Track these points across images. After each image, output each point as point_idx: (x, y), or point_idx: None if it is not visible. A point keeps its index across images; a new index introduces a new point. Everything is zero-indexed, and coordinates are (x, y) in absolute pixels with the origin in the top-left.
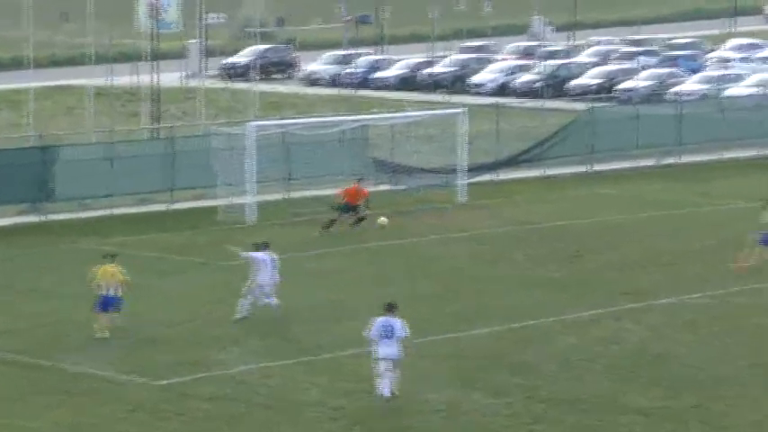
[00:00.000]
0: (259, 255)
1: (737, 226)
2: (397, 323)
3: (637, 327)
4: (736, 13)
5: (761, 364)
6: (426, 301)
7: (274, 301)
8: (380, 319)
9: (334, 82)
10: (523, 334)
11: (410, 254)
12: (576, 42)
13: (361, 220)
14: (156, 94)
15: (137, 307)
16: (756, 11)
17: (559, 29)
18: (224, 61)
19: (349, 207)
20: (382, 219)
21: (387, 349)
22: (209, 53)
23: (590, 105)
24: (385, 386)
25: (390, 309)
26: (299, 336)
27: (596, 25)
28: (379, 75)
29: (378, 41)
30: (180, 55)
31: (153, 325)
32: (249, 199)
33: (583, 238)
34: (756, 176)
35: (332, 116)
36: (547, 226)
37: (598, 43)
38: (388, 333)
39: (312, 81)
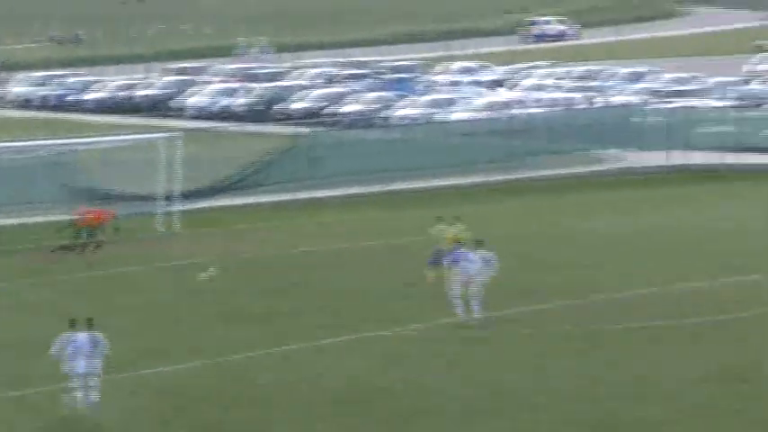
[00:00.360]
0: None
1: None
2: (100, 338)
3: (342, 361)
4: (465, 35)
5: (462, 395)
6: (126, 334)
7: None
8: (82, 335)
9: (36, 104)
10: (228, 369)
11: (115, 286)
12: (294, 63)
13: (98, 245)
14: None
15: None
16: (503, 31)
17: (276, 50)
18: None
19: (88, 231)
20: (210, 270)
21: (88, 363)
22: None
23: (311, 129)
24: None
25: (90, 324)
26: None
27: (313, 47)
28: (85, 97)
29: (86, 62)
30: None
31: None
32: None
33: (295, 269)
34: (482, 204)
35: (35, 140)
36: (259, 255)
37: (318, 66)
38: (90, 347)
39: (15, 103)
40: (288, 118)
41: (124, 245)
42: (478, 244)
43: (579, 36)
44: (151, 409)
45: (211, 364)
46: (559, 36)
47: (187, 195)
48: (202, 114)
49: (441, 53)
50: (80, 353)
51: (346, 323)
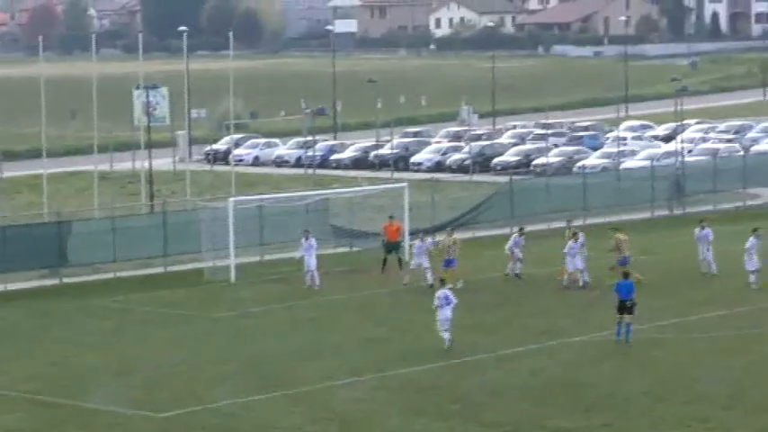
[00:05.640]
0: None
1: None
2: (450, 294)
3: (554, 360)
4: (627, 100)
5: (656, 388)
6: (378, 342)
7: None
8: (441, 292)
9: (297, 163)
10: (462, 367)
11: (363, 305)
12: (497, 126)
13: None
14: (150, 177)
15: (138, 351)
16: (643, 98)
17: (482, 116)
18: (207, 148)
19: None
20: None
21: (446, 312)
22: (192, 142)
23: (510, 178)
24: (447, 339)
25: (443, 282)
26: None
27: (513, 112)
28: (335, 156)
29: (332, 129)
30: (169, 144)
31: (153, 366)
32: (231, 261)
33: (506, 289)
34: (651, 234)
35: (298, 191)
36: (479, 279)
37: (515, 127)
38: (447, 302)
39: (279, 163)
40: (498, 169)
41: (370, 273)
42: None
43: None
44: (400, 401)
45: (449, 365)
46: None
47: (415, 233)
48: (429, 168)
49: (613, 115)
50: (443, 304)
51: (553, 331)
